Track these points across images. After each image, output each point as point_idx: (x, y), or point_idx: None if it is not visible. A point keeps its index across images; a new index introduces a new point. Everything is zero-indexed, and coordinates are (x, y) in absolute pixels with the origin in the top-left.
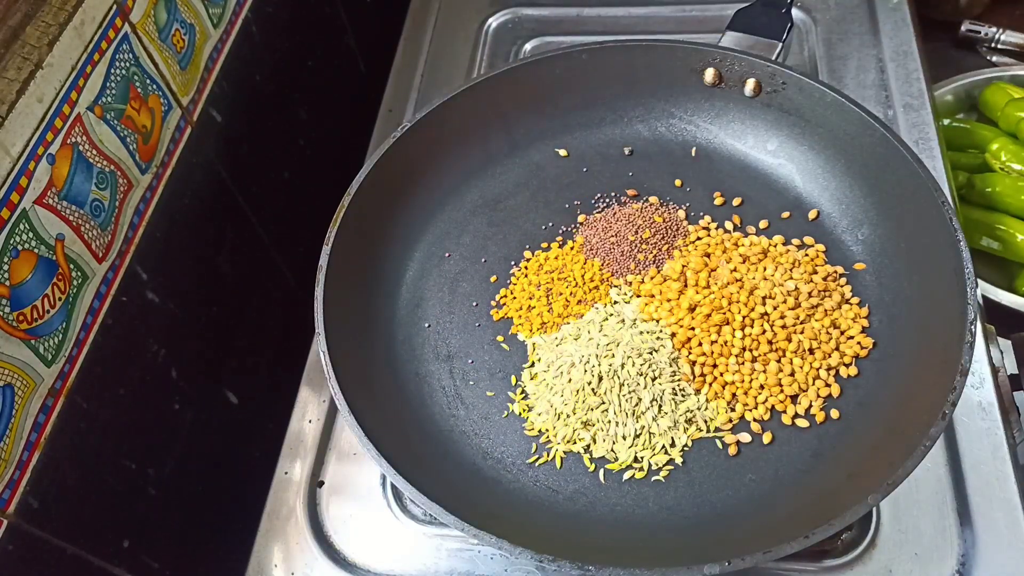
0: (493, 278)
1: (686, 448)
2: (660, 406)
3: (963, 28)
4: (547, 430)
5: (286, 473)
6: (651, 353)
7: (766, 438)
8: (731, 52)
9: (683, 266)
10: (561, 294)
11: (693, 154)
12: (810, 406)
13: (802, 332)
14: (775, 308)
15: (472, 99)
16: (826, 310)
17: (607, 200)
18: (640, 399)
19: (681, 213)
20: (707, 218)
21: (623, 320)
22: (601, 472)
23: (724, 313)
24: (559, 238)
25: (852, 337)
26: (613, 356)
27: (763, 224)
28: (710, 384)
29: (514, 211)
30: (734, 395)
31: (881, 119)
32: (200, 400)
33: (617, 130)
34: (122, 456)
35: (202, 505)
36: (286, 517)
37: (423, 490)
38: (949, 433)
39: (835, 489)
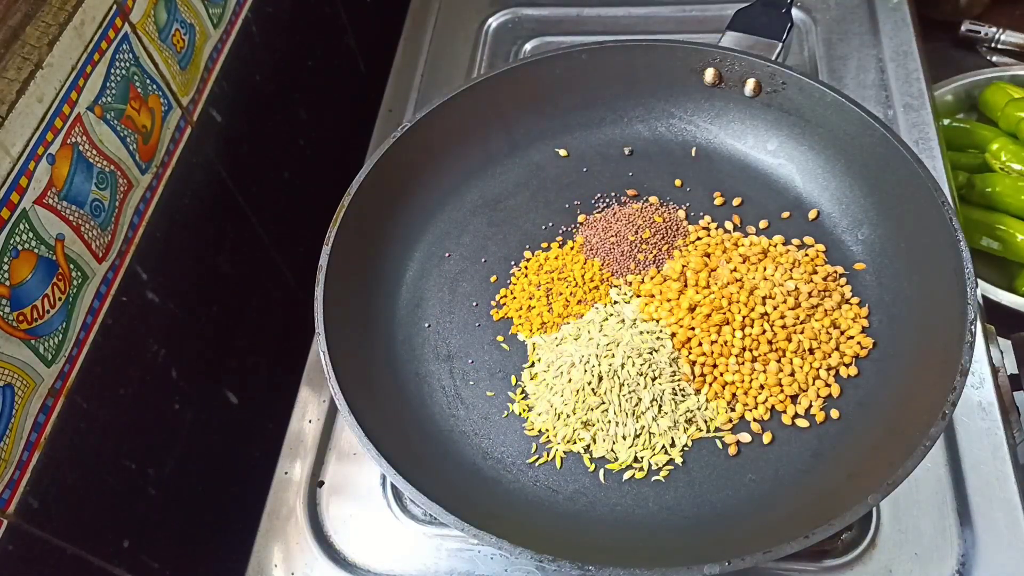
0: (493, 278)
1: (686, 448)
2: (660, 406)
3: (963, 28)
4: (547, 430)
5: (286, 473)
6: (651, 353)
7: (766, 438)
8: (731, 52)
9: (683, 266)
10: (561, 294)
11: (693, 154)
12: (810, 406)
13: (802, 332)
14: (775, 308)
15: (472, 99)
16: (826, 310)
17: (607, 200)
18: (640, 399)
19: (681, 213)
20: (707, 218)
21: (623, 320)
22: (601, 472)
23: (724, 313)
24: (559, 238)
25: (852, 337)
26: (613, 356)
27: (763, 224)
28: (710, 384)
29: (514, 211)
30: (734, 395)
31: (881, 119)
32: (200, 400)
33: (617, 130)
34: (122, 456)
35: (202, 505)
36: (286, 517)
37: (423, 490)
38: (949, 433)
39: (835, 489)
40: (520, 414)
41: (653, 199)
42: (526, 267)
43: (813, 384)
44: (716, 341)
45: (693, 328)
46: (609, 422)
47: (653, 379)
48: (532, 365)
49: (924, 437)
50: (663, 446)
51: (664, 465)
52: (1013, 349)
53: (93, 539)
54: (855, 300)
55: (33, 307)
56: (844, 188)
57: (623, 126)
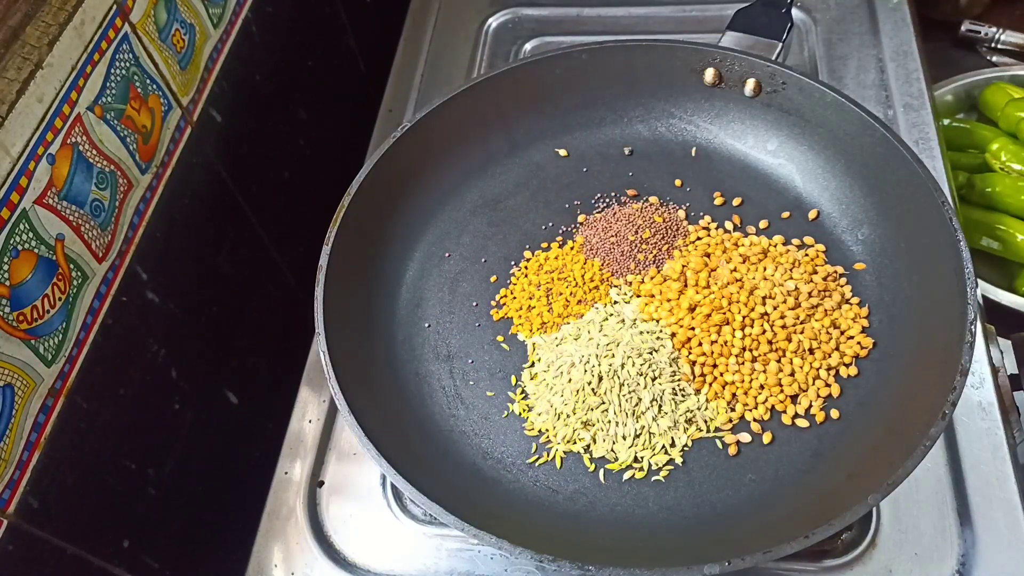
0: (493, 278)
1: (686, 448)
2: (660, 406)
3: (963, 28)
4: (547, 430)
5: (286, 473)
6: (651, 353)
7: (766, 438)
8: (731, 52)
9: (683, 266)
10: (561, 294)
11: (693, 154)
12: (810, 406)
13: (802, 332)
14: (775, 308)
15: (472, 99)
16: (826, 310)
17: (607, 200)
18: (640, 399)
19: (681, 213)
20: (707, 218)
21: (623, 320)
22: (601, 472)
23: (724, 313)
24: (559, 238)
25: (852, 337)
26: (613, 356)
27: (763, 224)
28: (710, 384)
29: (514, 211)
30: (734, 395)
31: (881, 119)
32: (200, 400)
33: (617, 130)
34: (122, 456)
35: (202, 505)
36: (286, 517)
37: (423, 490)
38: (949, 433)
39: (835, 489)
40: (520, 414)
41: (653, 199)
42: (526, 267)
43: (813, 384)
44: (716, 341)
45: (693, 328)
46: (609, 422)
47: (653, 379)
48: (532, 365)
49: (924, 437)
50: (663, 446)
51: (664, 465)
52: (1013, 349)
53: (93, 539)
54: (855, 300)
55: (33, 307)
56: (844, 188)
57: (623, 126)
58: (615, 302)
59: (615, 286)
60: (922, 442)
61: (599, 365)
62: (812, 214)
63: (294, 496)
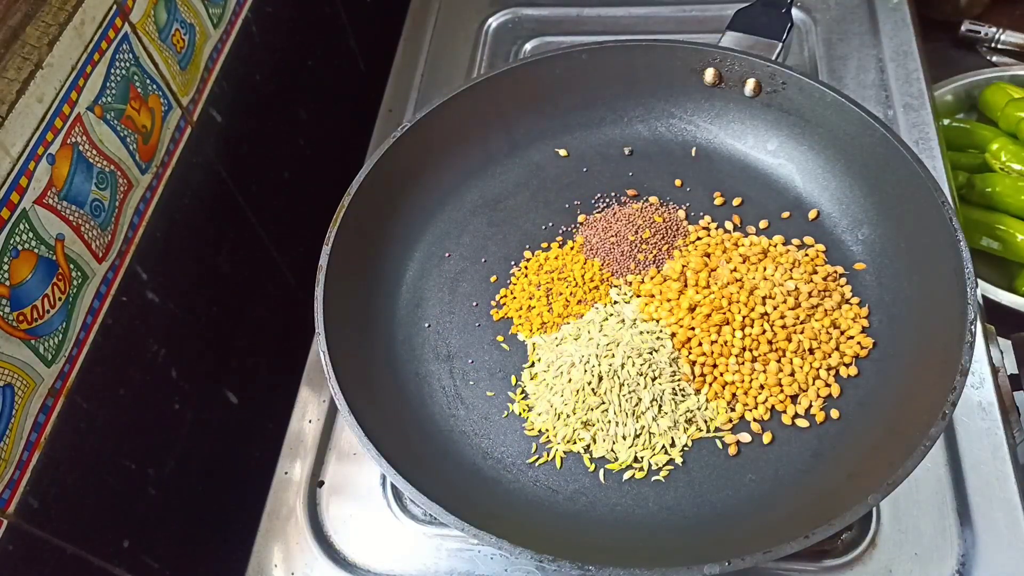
0: (493, 278)
1: (686, 448)
2: (660, 406)
3: (963, 28)
4: (547, 430)
5: (286, 473)
6: (651, 353)
7: (766, 438)
8: (731, 52)
9: (683, 266)
10: (561, 294)
11: (693, 154)
12: (810, 406)
13: (802, 332)
14: (775, 308)
15: (472, 99)
16: (826, 310)
17: (607, 200)
18: (640, 399)
19: (681, 213)
20: (707, 218)
21: (623, 320)
22: (601, 472)
23: (724, 313)
24: (559, 238)
25: (852, 337)
26: (613, 356)
27: (763, 224)
28: (710, 384)
29: (514, 211)
30: (734, 395)
31: (881, 119)
32: (200, 400)
33: (617, 130)
34: (122, 456)
35: (202, 505)
36: (286, 517)
37: (423, 490)
38: (949, 433)
39: (835, 489)
40: (520, 414)
41: (653, 199)
42: (526, 267)
43: (813, 384)
44: (716, 341)
45: (693, 328)
46: (609, 422)
47: (653, 379)
48: (532, 365)
49: (924, 437)
50: (663, 446)
51: (664, 465)
52: (1013, 349)
53: (93, 539)
54: (855, 300)
55: (33, 307)
56: (844, 188)
57: (623, 126)
58: (615, 302)
59: (615, 286)
60: (922, 442)
61: (599, 365)
62: (812, 214)
63: (294, 496)
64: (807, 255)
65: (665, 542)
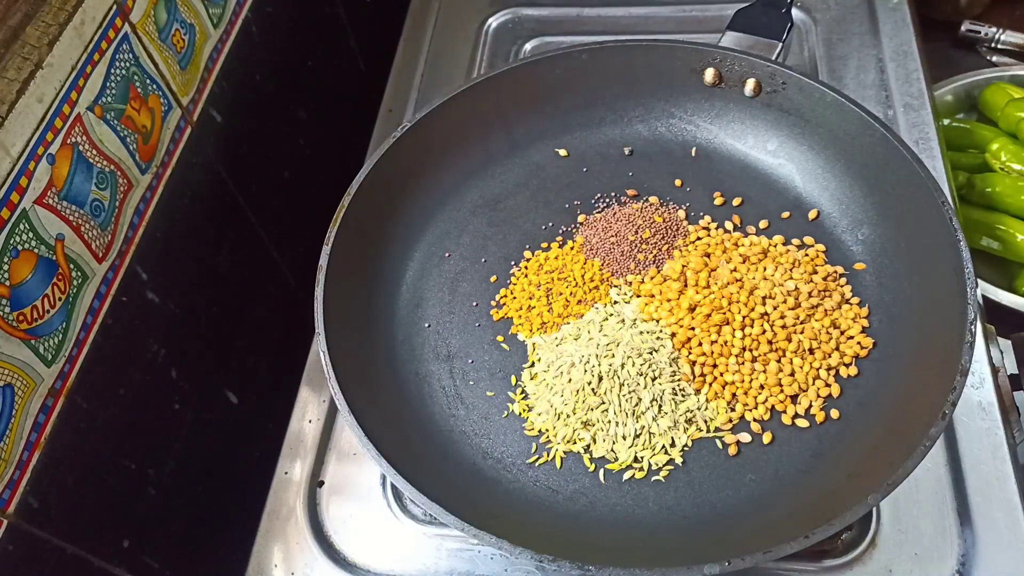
0: (493, 278)
1: (686, 448)
2: (660, 406)
3: (963, 28)
4: (547, 430)
5: (286, 473)
6: (651, 353)
7: (766, 438)
8: (731, 52)
9: (683, 266)
10: (561, 294)
11: (693, 154)
12: (810, 406)
13: (802, 332)
14: (775, 308)
15: (472, 99)
16: (826, 310)
17: (607, 200)
18: (640, 399)
19: (681, 213)
20: (707, 218)
21: (623, 320)
22: (601, 472)
23: (724, 313)
24: (559, 238)
25: (852, 337)
26: (613, 356)
27: (763, 224)
28: (710, 384)
29: (514, 211)
30: (734, 395)
31: (881, 119)
32: (200, 400)
33: (617, 130)
34: (122, 456)
35: (202, 505)
36: (286, 517)
37: (423, 490)
38: (949, 433)
39: (835, 489)
40: (520, 414)
41: (653, 199)
42: (526, 267)
43: (813, 384)
44: (716, 341)
45: (693, 328)
46: (609, 422)
47: (653, 379)
48: (532, 365)
49: (924, 437)
50: (663, 446)
51: (664, 465)
52: (1013, 349)
53: (93, 539)
54: (855, 300)
55: (33, 307)
56: (844, 188)
57: (623, 126)
58: (615, 302)
59: (615, 286)
60: (922, 442)
61: (599, 365)
62: (812, 214)
63: (294, 496)
64: (807, 255)
65: (665, 542)
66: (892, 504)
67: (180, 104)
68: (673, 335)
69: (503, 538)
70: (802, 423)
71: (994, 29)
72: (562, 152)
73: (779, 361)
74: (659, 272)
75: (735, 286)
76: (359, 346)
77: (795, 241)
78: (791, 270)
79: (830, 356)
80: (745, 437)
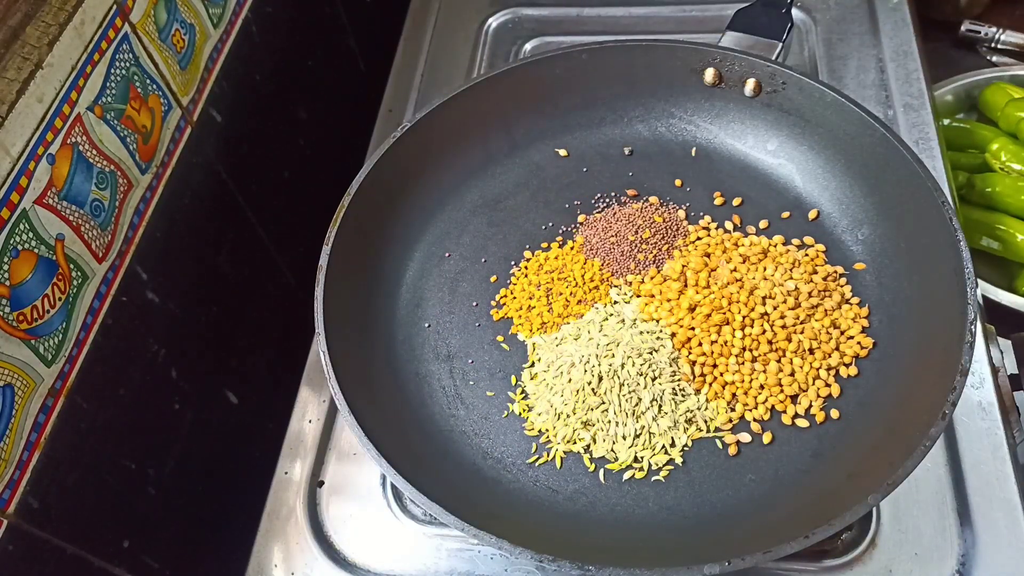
0: (493, 278)
1: (686, 448)
2: (660, 406)
3: (963, 28)
4: (547, 430)
5: (286, 473)
6: (651, 353)
7: (766, 438)
8: (731, 52)
9: (683, 266)
10: (561, 294)
11: (693, 154)
12: (810, 406)
13: (802, 332)
14: (775, 308)
15: (472, 99)
16: (826, 310)
17: (607, 200)
18: (640, 399)
19: (681, 213)
20: (707, 218)
21: (623, 320)
22: (601, 472)
23: (724, 313)
24: (559, 238)
25: (852, 337)
26: (613, 356)
27: (763, 224)
28: (710, 384)
29: (514, 211)
30: (734, 395)
31: (881, 119)
32: (200, 400)
33: (617, 130)
34: (122, 456)
35: (202, 505)
36: (286, 517)
37: (423, 490)
38: (949, 433)
39: (835, 489)
40: (520, 414)
41: (653, 199)
42: (526, 267)
43: (813, 384)
44: (716, 341)
45: (693, 328)
46: (609, 422)
47: (653, 379)
48: (532, 365)
49: (924, 437)
50: (663, 446)
51: (664, 465)
52: (1013, 349)
53: (93, 539)
54: (855, 300)
55: (33, 307)
56: (844, 188)
57: (623, 126)
58: (615, 302)
59: (615, 286)
60: (922, 442)
61: (599, 365)
62: (812, 214)
63: (294, 496)
64: (807, 255)
65: (665, 542)
66: (892, 504)
67: (180, 104)
68: (673, 335)
69: (503, 538)
70: (802, 423)
71: (994, 29)
72: (562, 152)
73: (779, 361)
74: (659, 272)
75: (735, 286)
76: (359, 346)
77: (795, 241)
78: (791, 270)
79: (830, 356)
80: (745, 437)
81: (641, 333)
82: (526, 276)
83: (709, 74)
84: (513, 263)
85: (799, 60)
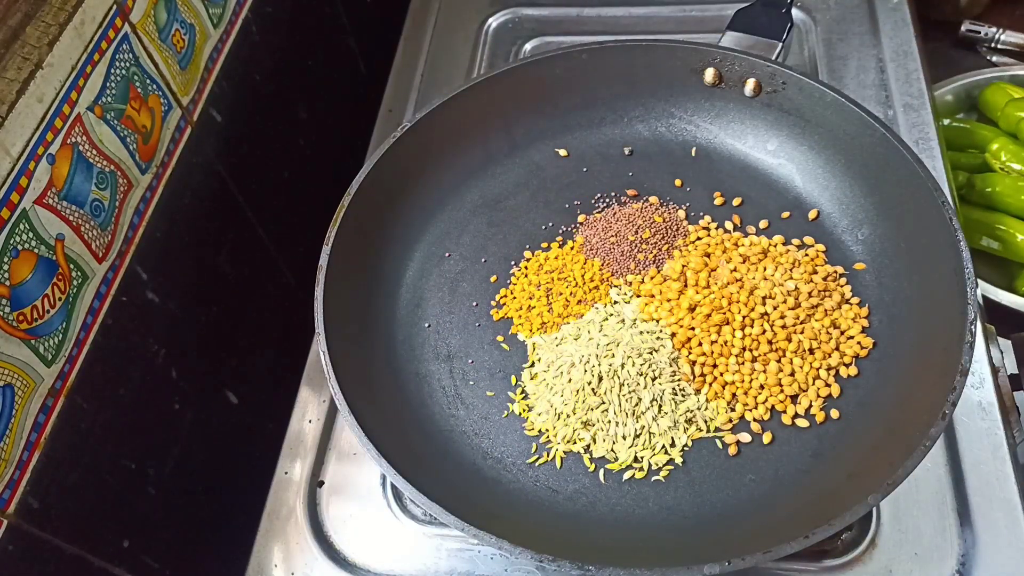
0: (493, 278)
1: (686, 448)
2: (660, 406)
3: (963, 28)
4: (547, 430)
5: (286, 473)
6: (651, 353)
7: (766, 438)
8: (731, 52)
9: (683, 266)
10: (561, 294)
11: (693, 154)
12: (810, 406)
13: (802, 332)
14: (775, 308)
15: (472, 99)
16: (826, 310)
17: (607, 200)
18: (640, 399)
19: (681, 213)
20: (707, 218)
21: (623, 320)
22: (601, 472)
23: (724, 313)
24: (559, 238)
25: (852, 337)
26: (613, 356)
27: (763, 224)
28: (710, 384)
29: (514, 211)
30: (734, 395)
31: (881, 119)
32: (200, 400)
33: (617, 130)
34: (122, 456)
35: (202, 505)
36: (286, 517)
37: (423, 490)
38: (949, 433)
39: (835, 489)
40: (520, 414)
41: (653, 199)
42: (526, 267)
43: (813, 384)
44: (716, 341)
45: (693, 328)
46: (609, 422)
47: (653, 379)
48: (532, 365)
49: (924, 437)
50: (663, 446)
51: (664, 465)
52: (1013, 349)
53: (93, 539)
54: (855, 300)
55: (33, 307)
56: (844, 188)
57: (623, 126)
58: (615, 302)
59: (615, 286)
60: (922, 442)
61: (599, 365)
62: (812, 214)
63: (294, 496)
64: (807, 255)
65: (665, 542)
66: (892, 504)
67: (180, 104)
68: (673, 335)
69: (503, 538)
70: (802, 423)
71: (994, 29)
72: (562, 152)
73: (779, 361)
74: (659, 272)
75: (735, 286)
76: (359, 346)
77: (795, 241)
78: (791, 270)
79: (830, 356)
80: (745, 437)
81: (641, 333)
82: (526, 276)
83: (709, 74)
84: (513, 263)
85: (799, 60)
